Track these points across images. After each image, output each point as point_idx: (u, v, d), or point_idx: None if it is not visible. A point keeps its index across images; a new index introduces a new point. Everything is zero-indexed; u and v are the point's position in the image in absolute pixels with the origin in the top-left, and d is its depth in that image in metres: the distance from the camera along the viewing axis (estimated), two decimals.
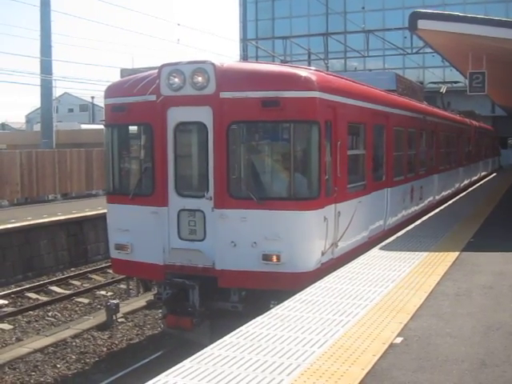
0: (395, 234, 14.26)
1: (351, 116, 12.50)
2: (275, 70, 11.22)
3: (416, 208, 18.57)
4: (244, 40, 57.42)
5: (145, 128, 11.85)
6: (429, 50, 25.92)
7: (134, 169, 12.55)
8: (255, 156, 11.38)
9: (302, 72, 10.89)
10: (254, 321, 7.55)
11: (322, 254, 10.79)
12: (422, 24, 15.69)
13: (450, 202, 21.82)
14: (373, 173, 13.97)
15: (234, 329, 7.32)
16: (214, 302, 10.98)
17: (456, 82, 36.49)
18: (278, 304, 8.54)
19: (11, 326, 15.62)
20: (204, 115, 10.83)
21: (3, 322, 15.91)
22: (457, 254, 11.86)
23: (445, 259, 11.33)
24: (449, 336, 7.08)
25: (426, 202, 20.21)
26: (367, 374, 5.89)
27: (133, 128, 12.47)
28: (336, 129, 11.35)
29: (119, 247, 11.72)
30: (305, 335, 7.00)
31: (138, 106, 11.37)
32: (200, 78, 10.71)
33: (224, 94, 10.60)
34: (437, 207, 20.10)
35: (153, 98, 11.13)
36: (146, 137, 11.97)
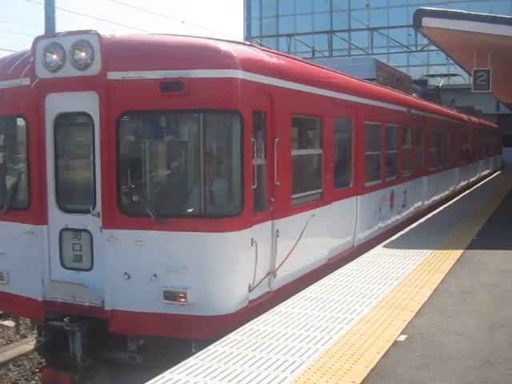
0: (370, 249, 12.20)
1: (298, 106, 9.94)
2: (180, 42, 8.43)
3: (398, 217, 16.17)
4: (248, 38, 57.33)
5: (18, 121, 9.23)
6: (433, 47, 25.87)
7: (8, 174, 9.68)
8: (154, 159, 8.85)
9: (218, 44, 8.17)
10: (257, 318, 7.57)
11: (250, 288, 8.17)
12: (427, 22, 15.69)
13: (446, 205, 20.11)
14: (334, 178, 11.32)
15: (141, 380, 6.16)
16: (107, 351, 8.44)
17: (454, 75, 36.38)
18: (199, 350, 6.67)
19: None
20: (89, 103, 8.22)
21: None
22: (461, 251, 11.85)
23: (449, 257, 11.32)
24: (453, 333, 7.08)
25: (412, 208, 17.89)
26: (371, 371, 5.90)
27: (7, 121, 9.48)
28: (273, 122, 8.81)
29: None
30: (308, 332, 7.01)
31: (10, 92, 8.80)
32: (83, 54, 8.14)
33: (112, 75, 8.06)
34: (427, 213, 18.04)
35: (27, 81, 8.50)
36: (20, 133, 9.30)
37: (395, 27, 39.63)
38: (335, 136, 11.68)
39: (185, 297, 7.71)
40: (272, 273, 8.80)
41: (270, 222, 8.77)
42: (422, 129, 19.25)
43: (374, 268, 10.40)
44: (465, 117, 28.81)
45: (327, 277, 9.79)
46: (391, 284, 9.28)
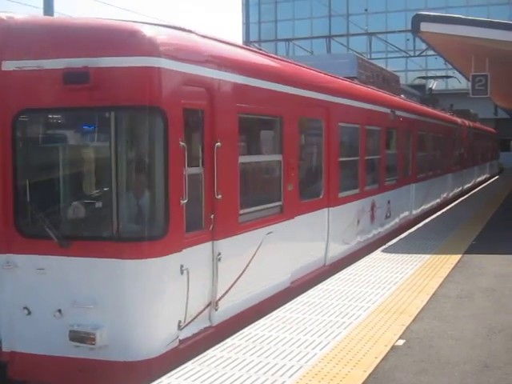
0: (343, 268, 10.90)
1: (249, 103, 8.47)
2: (88, 24, 6.96)
3: (380, 230, 14.71)
4: (247, 42, 57.38)
5: None
6: (431, 52, 25.92)
7: None
8: (56, 168, 7.17)
9: (135, 26, 6.73)
10: (256, 323, 7.56)
11: (181, 326, 6.77)
12: (425, 26, 15.70)
13: (439, 213, 19.41)
14: (298, 188, 9.91)
15: None
16: None
17: (449, 77, 35.81)
18: None
19: None
20: None
21: None
22: (459, 256, 11.86)
23: (447, 262, 11.33)
24: (451, 338, 7.07)
25: (398, 219, 16.43)
26: (369, 376, 5.89)
27: None
28: (214, 122, 7.36)
29: None
30: (307, 337, 7.00)
31: None
32: None
33: (8, 65, 6.65)
34: (417, 223, 17.00)
35: None
36: None
37: (393, 32, 39.77)
38: (300, 140, 10.37)
39: (94, 338, 6.32)
40: (213, 304, 7.39)
41: (210, 243, 7.35)
42: (409, 132, 17.86)
43: (372, 272, 10.40)
44: (458, 120, 27.65)
45: (325, 281, 9.79)
46: (389, 289, 9.28)
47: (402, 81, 30.33)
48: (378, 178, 14.91)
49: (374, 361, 6.27)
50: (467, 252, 12.32)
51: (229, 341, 6.86)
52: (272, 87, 9.06)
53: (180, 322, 6.76)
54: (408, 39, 39.69)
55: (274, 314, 7.96)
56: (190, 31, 7.55)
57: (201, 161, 7.32)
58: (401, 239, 14.11)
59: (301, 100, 10.02)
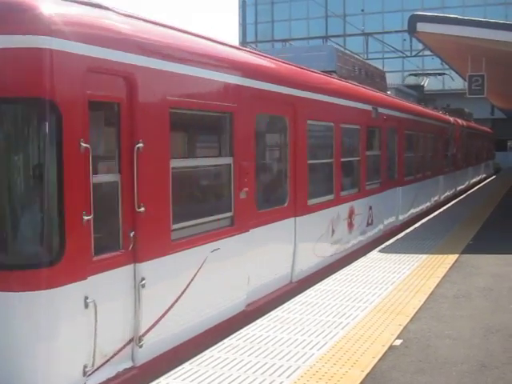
0: (315, 284, 9.67)
1: (188, 97, 7.10)
2: None
3: (361, 238, 13.37)
4: (244, 43, 57.39)
5: None
6: (428, 52, 25.95)
7: None
8: None
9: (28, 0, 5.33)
10: (253, 323, 7.56)
11: (87, 371, 5.49)
12: (421, 27, 15.72)
13: (430, 216, 18.46)
14: (255, 196, 8.56)
15: None
16: None
17: (441, 74, 35.31)
18: None
19: None
20: None
21: None
22: (456, 256, 11.87)
23: (444, 261, 11.34)
24: (448, 338, 7.08)
25: (382, 226, 15.12)
26: (367, 375, 5.89)
27: None
28: (134, 118, 6.12)
29: None
30: (304, 337, 7.00)
31: None
32: None
33: None
34: (405, 229, 15.86)
35: None
36: None
37: (390, 32, 39.80)
38: (258, 140, 8.88)
39: None
40: (135, 340, 6.13)
41: (130, 266, 6.07)
42: (394, 132, 16.45)
43: (369, 273, 10.41)
44: (451, 119, 26.30)
45: (323, 281, 9.79)
46: (387, 289, 9.29)
47: (399, 81, 30.16)
48: (358, 181, 13.45)
49: (371, 361, 6.27)
50: (464, 252, 12.34)
51: (226, 341, 6.85)
52: (218, 78, 7.65)
53: (86, 366, 5.45)
54: (404, 39, 39.78)
55: (272, 314, 7.96)
56: (107, 8, 6.21)
57: (117, 166, 6.01)
58: (398, 239, 14.13)
59: (257, 93, 8.58)
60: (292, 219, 9.74)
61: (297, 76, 10.52)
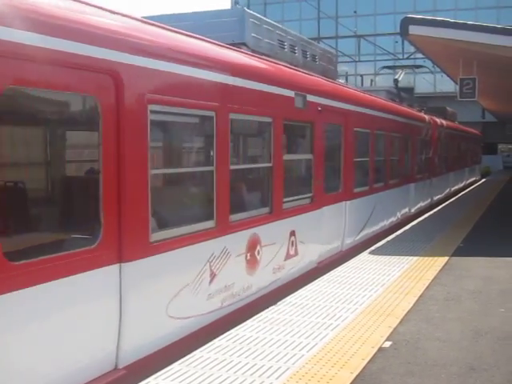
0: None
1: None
2: None
3: (274, 278, 9.65)
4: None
5: None
6: (420, 55, 26.02)
7: None
8: None
9: None
10: (243, 324, 7.56)
11: None
12: (413, 30, 15.75)
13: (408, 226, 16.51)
14: (129, 217, 6.18)
15: None
16: None
17: (418, 67, 33.26)
18: None
19: None
20: None
21: None
22: (446, 258, 11.91)
23: (434, 264, 11.37)
24: (438, 340, 7.10)
25: (314, 257, 11.37)
26: (356, 377, 5.89)
27: None
28: None
29: None
30: (294, 338, 7.00)
31: None
32: None
33: None
34: (352, 256, 12.34)
35: None
36: None
37: (382, 35, 39.91)
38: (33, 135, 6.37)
39: None
40: None
41: None
42: (339, 129, 13.00)
43: (359, 274, 10.42)
44: (426, 117, 22.99)
45: (313, 282, 9.80)
46: (376, 290, 9.30)
47: (390, 83, 29.94)
48: (266, 198, 9.73)
49: (361, 362, 6.28)
50: (454, 254, 12.38)
51: (216, 342, 6.85)
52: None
53: None
54: (397, 42, 39.87)
55: (262, 315, 7.96)
56: None
57: None
58: (388, 241, 14.14)
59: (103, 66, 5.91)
60: (115, 268, 6.22)
61: (116, 34, 6.30)
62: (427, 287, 9.60)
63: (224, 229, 8.11)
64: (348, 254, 12.70)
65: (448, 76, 25.70)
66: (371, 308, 8.33)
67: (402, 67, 28.71)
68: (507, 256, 12.14)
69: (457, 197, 26.96)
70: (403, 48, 35.32)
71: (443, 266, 11.19)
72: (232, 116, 8.32)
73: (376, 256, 12.15)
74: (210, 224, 7.87)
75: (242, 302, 8.59)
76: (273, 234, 9.64)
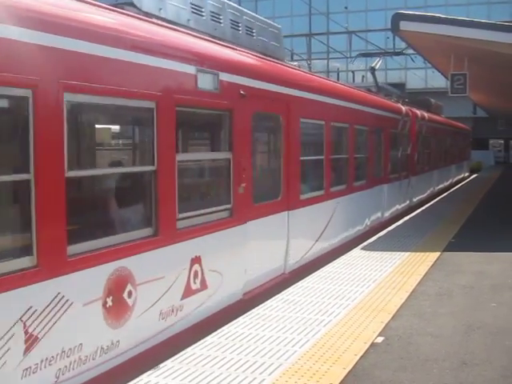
0: None
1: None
2: None
3: (171, 323, 7.09)
4: None
5: None
6: (411, 51, 26.04)
7: None
8: None
9: None
10: (235, 321, 7.55)
11: None
12: (404, 25, 15.74)
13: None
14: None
15: None
16: None
17: (398, 54, 30.23)
18: None
19: None
20: None
21: None
22: (438, 254, 11.93)
23: (426, 259, 11.39)
24: (430, 335, 7.11)
25: (238, 289, 8.73)
26: (349, 373, 5.90)
27: None
28: None
29: None
30: (286, 335, 7.00)
31: None
32: None
33: None
34: (301, 278, 10.04)
35: None
36: None
37: (373, 31, 39.93)
38: None
39: None
40: None
41: None
42: (276, 119, 10.35)
43: (351, 270, 10.43)
44: (403, 109, 20.07)
45: (305, 279, 9.80)
46: (369, 286, 9.31)
47: (382, 79, 29.65)
48: (147, 215, 6.97)
49: (353, 358, 6.28)
50: (446, 250, 12.41)
51: (208, 339, 6.84)
52: None
53: None
54: (388, 37, 39.88)
55: (254, 311, 7.96)
56: None
57: None
58: (380, 237, 14.16)
59: None
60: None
61: None
62: (419, 282, 9.62)
63: (56, 267, 5.43)
64: (295, 276, 10.36)
65: (439, 72, 25.73)
66: (363, 304, 8.33)
67: (380, 54, 26.67)
68: (499, 251, 12.19)
69: (443, 195, 26.42)
70: (394, 44, 35.32)
71: (435, 262, 11.21)
72: (70, 97, 5.58)
73: (368, 252, 12.16)
74: (25, 262, 5.19)
75: (100, 369, 5.94)
76: (158, 265, 6.89)
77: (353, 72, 43.98)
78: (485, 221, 16.81)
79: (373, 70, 23.61)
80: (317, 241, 11.91)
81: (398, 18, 15.86)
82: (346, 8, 60.47)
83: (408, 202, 20.86)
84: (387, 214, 17.64)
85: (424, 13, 19.02)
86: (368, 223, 15.71)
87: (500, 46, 15.15)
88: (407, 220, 17.27)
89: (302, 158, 11.13)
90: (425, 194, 24.32)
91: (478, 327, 7.42)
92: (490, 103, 40.17)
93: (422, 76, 57.33)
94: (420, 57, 24.64)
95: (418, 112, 22.60)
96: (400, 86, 28.33)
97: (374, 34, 40.19)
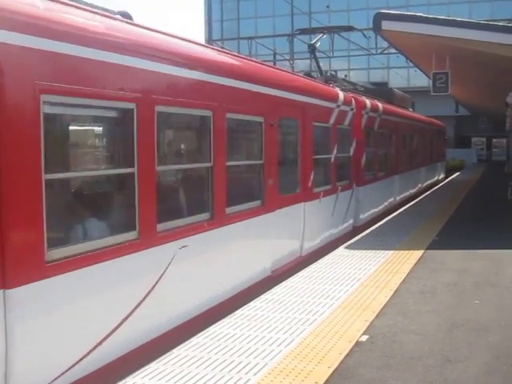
0: None
1: None
2: None
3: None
4: (210, 41, 57.29)
5: None
6: (393, 50, 26.13)
7: None
8: None
9: None
10: (220, 321, 7.55)
11: None
12: (386, 25, 15.82)
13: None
14: None
15: None
16: None
17: (348, 29, 25.91)
18: None
19: None
20: None
21: None
22: (421, 252, 11.99)
23: (410, 257, 11.44)
24: (414, 333, 7.14)
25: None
26: (334, 372, 5.92)
27: None
28: None
29: None
30: (271, 334, 7.01)
31: None
32: None
33: None
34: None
35: None
36: None
37: (355, 30, 39.94)
38: None
39: None
40: None
41: None
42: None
43: (335, 269, 10.46)
44: (340, 95, 14.79)
45: (289, 279, 9.81)
46: (353, 285, 9.34)
47: (364, 78, 29.64)
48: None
49: (338, 357, 6.30)
50: (429, 247, 12.47)
51: (193, 339, 6.84)
52: None
53: None
54: (369, 37, 39.95)
55: (239, 312, 7.96)
56: None
57: None
58: (363, 236, 14.21)
59: None
60: None
61: None
62: (403, 280, 9.66)
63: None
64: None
65: (421, 70, 25.85)
66: (348, 302, 8.36)
67: (323, 29, 22.99)
68: (481, 249, 12.26)
69: (424, 195, 26.35)
70: (376, 43, 35.42)
71: (418, 260, 11.27)
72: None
73: (352, 251, 12.20)
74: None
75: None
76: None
77: (335, 71, 44.02)
78: (468, 218, 16.93)
79: (313, 48, 19.59)
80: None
81: (379, 17, 15.94)
82: (327, 7, 60.56)
83: (351, 221, 15.62)
84: (312, 245, 12.58)
85: (405, 12, 19.08)
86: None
87: (481, 44, 15.26)
88: (390, 219, 17.32)
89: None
90: (380, 207, 18.80)
91: (461, 324, 7.47)
92: (472, 101, 40.40)
93: (404, 75, 57.55)
94: (402, 56, 24.70)
95: (368, 101, 17.35)
96: (383, 85, 28.16)
97: (356, 34, 40.18)
